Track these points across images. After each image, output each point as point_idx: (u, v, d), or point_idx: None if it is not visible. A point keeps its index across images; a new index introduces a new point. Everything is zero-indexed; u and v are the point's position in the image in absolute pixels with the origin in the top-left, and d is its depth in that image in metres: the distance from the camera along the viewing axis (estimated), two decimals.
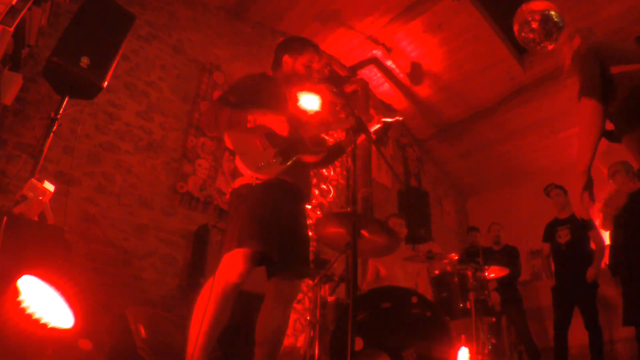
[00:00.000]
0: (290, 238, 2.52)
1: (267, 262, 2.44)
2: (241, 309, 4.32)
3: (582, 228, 5.32)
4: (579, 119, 2.36)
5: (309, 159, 2.65)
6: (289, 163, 2.49)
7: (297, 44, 2.94)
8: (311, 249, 6.06)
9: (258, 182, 2.42)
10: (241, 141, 2.48)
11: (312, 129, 2.76)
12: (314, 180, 6.61)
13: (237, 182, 2.53)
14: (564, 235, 5.44)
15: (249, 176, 2.43)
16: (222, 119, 2.48)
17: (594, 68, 2.38)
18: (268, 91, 2.74)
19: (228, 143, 2.50)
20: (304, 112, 2.83)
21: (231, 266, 2.30)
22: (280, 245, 2.39)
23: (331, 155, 2.86)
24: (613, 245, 4.80)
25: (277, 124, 2.47)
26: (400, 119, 2.90)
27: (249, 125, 2.47)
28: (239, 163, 2.44)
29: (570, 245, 5.35)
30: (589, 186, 2.39)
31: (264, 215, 2.39)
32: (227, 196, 2.63)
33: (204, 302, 2.29)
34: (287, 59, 2.88)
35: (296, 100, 2.98)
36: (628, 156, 2.51)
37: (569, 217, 5.48)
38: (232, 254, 2.31)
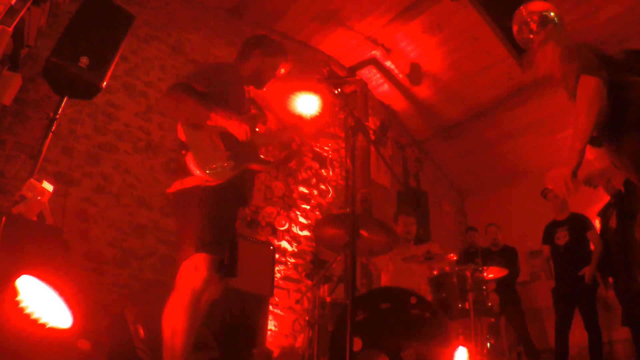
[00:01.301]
0: (233, 240, 2.57)
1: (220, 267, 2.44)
2: (239, 309, 4.34)
3: (581, 229, 5.32)
4: (578, 98, 2.19)
5: (257, 168, 2.67)
6: (238, 171, 2.50)
7: (273, 44, 2.92)
8: (310, 249, 6.09)
9: (209, 184, 2.41)
10: (196, 137, 2.44)
11: (259, 138, 2.74)
12: (313, 181, 6.62)
13: (188, 182, 2.45)
14: (562, 237, 5.44)
15: (199, 177, 2.40)
16: (185, 108, 2.44)
17: (590, 54, 2.27)
18: (232, 86, 2.71)
19: (181, 134, 2.47)
20: (258, 115, 2.81)
21: (194, 273, 2.26)
22: (226, 250, 2.44)
23: (274, 167, 2.89)
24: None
25: (239, 131, 2.46)
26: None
27: (208, 122, 2.43)
28: (190, 160, 2.40)
29: (568, 246, 5.36)
30: (577, 169, 2.25)
31: (220, 220, 2.40)
32: (172, 189, 2.54)
33: (174, 312, 2.24)
34: (257, 53, 2.84)
35: (258, 99, 2.96)
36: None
37: (567, 219, 5.48)
38: (193, 260, 2.27)
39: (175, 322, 2.22)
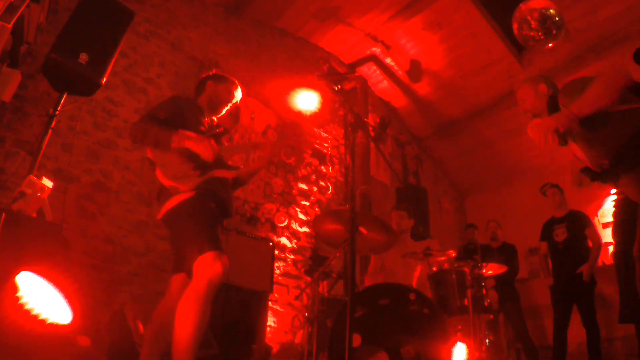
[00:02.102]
0: None
1: None
2: (239, 305, 4.35)
3: (579, 226, 5.33)
4: (600, 80, 2.26)
5: (225, 174, 2.76)
6: (206, 177, 2.60)
7: (222, 76, 3.14)
8: (309, 245, 6.10)
9: (186, 195, 2.54)
10: (163, 155, 2.59)
11: (235, 149, 2.88)
12: (312, 177, 6.62)
13: (172, 202, 2.58)
14: (560, 234, 5.44)
15: (171, 189, 2.55)
16: (149, 136, 2.57)
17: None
18: (194, 115, 2.85)
19: (149, 153, 2.64)
20: (221, 132, 2.99)
21: (211, 268, 2.37)
22: None
23: (244, 175, 3.00)
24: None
25: (202, 147, 2.57)
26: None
27: (172, 145, 2.55)
28: (158, 174, 2.56)
29: (567, 243, 5.36)
30: (566, 133, 2.34)
31: (210, 222, 2.54)
32: (160, 215, 2.69)
33: (190, 307, 2.32)
34: (210, 83, 3.04)
35: (220, 128, 3.10)
36: None
37: (566, 216, 5.48)
38: (207, 258, 2.39)
39: (191, 315, 2.30)
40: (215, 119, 3.06)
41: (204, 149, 2.56)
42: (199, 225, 2.50)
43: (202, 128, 2.81)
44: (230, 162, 2.94)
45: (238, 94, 3.10)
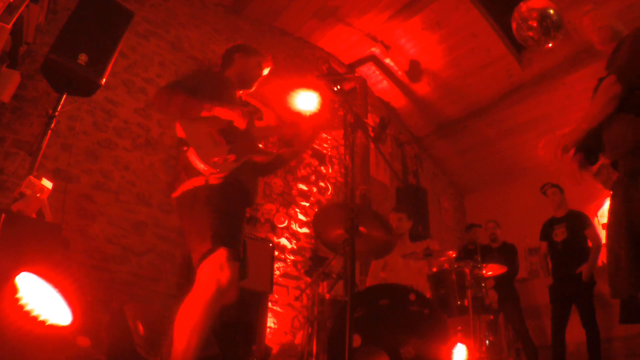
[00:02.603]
0: (243, 240, 2.48)
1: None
2: (239, 306, 4.35)
3: (579, 226, 5.33)
4: (601, 90, 2.37)
5: (261, 159, 2.63)
6: (241, 162, 2.46)
7: (250, 47, 2.99)
8: (309, 246, 6.10)
9: (213, 182, 2.37)
10: (195, 133, 2.44)
11: (258, 131, 2.74)
12: (312, 178, 6.62)
13: (192, 182, 2.41)
14: (560, 234, 5.44)
15: (205, 172, 2.37)
16: (176, 101, 2.43)
17: None
18: (221, 87, 2.73)
19: (180, 131, 2.47)
20: (253, 111, 2.81)
21: (220, 272, 2.18)
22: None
23: (278, 160, 2.81)
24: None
25: (234, 116, 2.44)
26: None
27: (203, 114, 2.42)
28: (192, 156, 2.38)
29: (566, 243, 5.36)
30: (581, 148, 2.46)
31: (229, 215, 2.35)
32: (177, 193, 2.49)
33: (193, 311, 2.18)
34: (238, 56, 2.90)
35: (244, 103, 2.95)
36: None
37: (565, 216, 5.48)
38: (217, 259, 2.19)
39: (193, 319, 2.16)
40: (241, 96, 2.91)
41: (236, 116, 2.43)
42: (216, 214, 2.29)
43: (232, 102, 2.65)
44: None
45: (269, 66, 2.94)
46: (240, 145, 2.52)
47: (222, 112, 2.44)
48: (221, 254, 2.20)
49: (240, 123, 2.45)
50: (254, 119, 2.72)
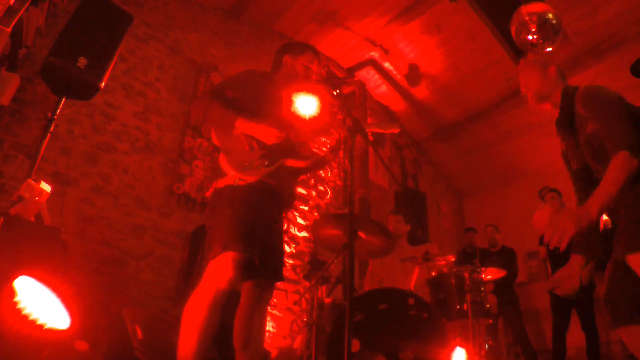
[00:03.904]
0: (267, 243, 2.47)
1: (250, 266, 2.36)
2: (236, 310, 4.33)
3: None
4: (613, 170, 2.01)
5: (296, 164, 2.58)
6: (274, 167, 2.46)
7: (298, 45, 2.96)
8: (308, 250, 6.09)
9: (241, 182, 2.40)
10: (229, 139, 2.48)
11: (303, 135, 2.72)
12: (311, 182, 6.61)
13: (221, 182, 2.47)
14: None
15: (232, 176, 2.41)
16: (212, 114, 2.48)
17: (630, 123, 2.07)
18: (265, 91, 2.73)
19: (214, 139, 2.53)
20: (298, 117, 2.81)
21: (220, 272, 2.23)
22: (262, 251, 2.36)
23: (316, 164, 2.77)
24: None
25: (267, 135, 2.46)
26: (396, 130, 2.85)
27: (234, 132, 2.47)
28: (222, 161, 2.43)
29: (566, 248, 5.35)
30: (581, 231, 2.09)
31: (249, 219, 2.34)
32: (209, 192, 2.56)
33: (194, 309, 2.23)
34: (287, 58, 2.86)
35: (292, 103, 2.95)
36: None
37: None
38: (221, 259, 2.24)
39: (194, 319, 2.21)
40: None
41: (267, 135, 2.44)
42: (234, 219, 2.31)
43: (276, 112, 2.66)
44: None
45: (318, 62, 2.89)
46: (275, 149, 2.52)
47: (252, 131, 2.47)
48: (227, 256, 2.22)
49: (268, 139, 2.47)
50: (295, 123, 2.71)
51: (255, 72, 2.85)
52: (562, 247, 2.12)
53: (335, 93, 2.81)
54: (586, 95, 2.29)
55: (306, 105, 6.06)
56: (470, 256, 5.87)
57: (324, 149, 6.98)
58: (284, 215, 2.81)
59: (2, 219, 2.40)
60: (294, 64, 2.84)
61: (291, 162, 2.55)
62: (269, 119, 2.54)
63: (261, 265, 2.37)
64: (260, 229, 2.40)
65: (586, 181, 2.45)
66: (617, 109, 2.14)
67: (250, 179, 2.40)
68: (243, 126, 2.47)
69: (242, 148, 2.47)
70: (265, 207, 2.47)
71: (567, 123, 2.41)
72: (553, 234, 2.12)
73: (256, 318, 2.51)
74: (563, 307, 5.21)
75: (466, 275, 4.02)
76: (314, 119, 2.99)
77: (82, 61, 3.30)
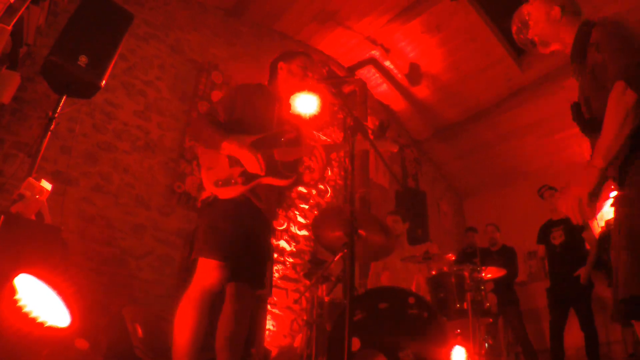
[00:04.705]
0: (249, 252, 2.54)
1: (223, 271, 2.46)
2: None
3: (576, 229, 5.32)
4: (611, 109, 1.86)
5: (276, 182, 2.61)
6: (249, 185, 2.52)
7: (290, 52, 3.02)
8: (308, 249, 6.09)
9: (222, 197, 2.50)
10: (210, 156, 2.58)
11: (293, 152, 2.71)
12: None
13: (204, 194, 2.60)
14: (558, 237, 5.44)
15: (208, 191, 2.53)
16: (202, 136, 2.60)
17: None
18: (258, 105, 2.77)
19: (199, 154, 2.68)
20: (290, 130, 2.81)
21: (205, 274, 2.39)
22: (239, 257, 2.45)
23: (295, 184, 2.80)
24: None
25: (249, 161, 2.49)
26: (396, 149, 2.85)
27: (221, 152, 2.54)
28: (203, 178, 2.56)
29: (564, 246, 5.36)
30: (597, 191, 1.88)
31: (224, 231, 2.45)
32: (198, 202, 2.71)
33: (185, 308, 2.37)
34: (281, 64, 2.91)
35: (290, 108, 2.99)
36: None
37: (563, 219, 5.48)
38: (206, 262, 2.40)
39: (183, 319, 2.35)
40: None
41: (251, 164, 2.49)
42: (208, 229, 2.47)
43: (270, 127, 2.71)
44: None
45: (312, 65, 2.92)
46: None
47: (237, 155, 2.52)
48: (207, 262, 2.39)
49: (254, 170, 2.50)
50: (280, 142, 2.72)
51: (249, 86, 2.88)
52: (586, 218, 1.88)
53: (335, 92, 2.79)
54: (604, 24, 2.23)
55: (307, 104, 6.07)
56: (470, 256, 5.87)
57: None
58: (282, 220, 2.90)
59: (2, 217, 2.40)
60: (289, 67, 2.89)
61: (269, 180, 2.58)
62: (260, 134, 2.62)
63: (239, 271, 2.48)
64: (237, 240, 2.47)
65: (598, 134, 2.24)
66: (630, 42, 2.04)
67: (223, 196, 2.50)
68: (229, 149, 2.52)
69: (223, 165, 2.55)
70: (244, 220, 2.53)
71: (582, 54, 2.29)
72: (568, 209, 1.90)
73: (235, 321, 2.54)
74: (560, 306, 5.21)
75: (466, 274, 4.02)
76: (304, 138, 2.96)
77: (82, 60, 3.31)
